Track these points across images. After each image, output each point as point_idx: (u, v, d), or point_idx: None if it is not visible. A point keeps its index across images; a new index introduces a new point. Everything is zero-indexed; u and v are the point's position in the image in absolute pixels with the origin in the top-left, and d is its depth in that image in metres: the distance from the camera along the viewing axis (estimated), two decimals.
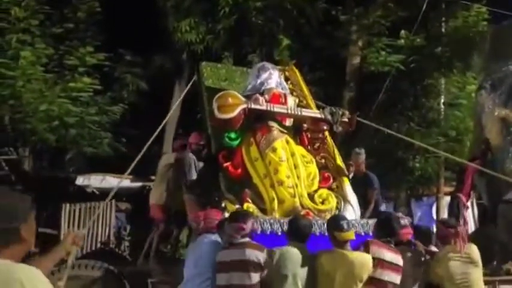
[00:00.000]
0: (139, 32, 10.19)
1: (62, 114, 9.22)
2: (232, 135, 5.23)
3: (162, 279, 5.62)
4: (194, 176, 5.93)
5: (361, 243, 4.27)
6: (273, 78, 5.65)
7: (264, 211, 4.85)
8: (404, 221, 4.89)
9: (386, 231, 4.42)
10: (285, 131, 5.39)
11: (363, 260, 4.09)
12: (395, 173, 10.78)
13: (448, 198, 8.60)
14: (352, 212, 5.16)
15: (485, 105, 7.32)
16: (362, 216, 5.51)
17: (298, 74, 6.56)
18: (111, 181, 10.59)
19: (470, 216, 9.38)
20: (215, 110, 5.11)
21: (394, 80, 10.18)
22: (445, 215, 9.93)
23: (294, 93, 6.06)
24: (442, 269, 4.51)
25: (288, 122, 5.56)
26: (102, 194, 10.40)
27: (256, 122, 5.35)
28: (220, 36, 10.61)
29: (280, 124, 5.40)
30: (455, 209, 6.22)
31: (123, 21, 9.92)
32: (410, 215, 10.63)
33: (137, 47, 10.84)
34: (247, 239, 4.07)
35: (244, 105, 5.21)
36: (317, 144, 5.63)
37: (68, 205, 9.62)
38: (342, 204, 5.19)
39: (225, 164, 5.11)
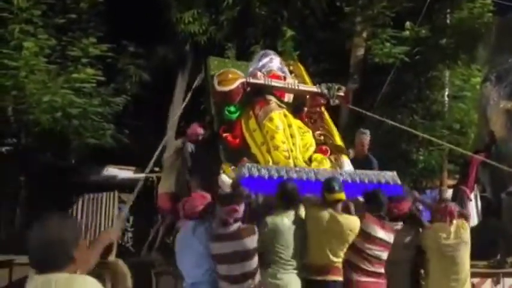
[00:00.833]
0: (142, 23, 10.11)
1: (65, 105, 9.18)
2: (232, 108, 5.38)
3: (165, 270, 5.63)
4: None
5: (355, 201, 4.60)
6: (274, 62, 5.80)
7: None
8: (404, 195, 5.04)
9: (374, 205, 4.57)
10: (283, 106, 5.50)
11: (351, 223, 4.33)
12: (399, 165, 10.72)
13: (451, 191, 8.58)
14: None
15: (490, 97, 7.30)
16: None
17: (302, 68, 6.61)
18: (113, 172, 10.62)
19: (474, 209, 9.37)
20: (215, 84, 5.28)
21: (398, 72, 10.11)
22: None
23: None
24: (430, 241, 4.67)
25: (287, 98, 5.71)
26: (105, 185, 10.42)
27: (255, 96, 5.51)
28: (224, 28, 10.55)
29: (279, 99, 5.55)
30: (459, 202, 6.24)
31: (126, 12, 9.86)
32: None
33: (140, 38, 10.77)
34: (239, 224, 4.06)
35: (243, 79, 5.40)
36: (314, 118, 5.75)
37: (71, 196, 9.64)
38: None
39: (225, 135, 5.29)
